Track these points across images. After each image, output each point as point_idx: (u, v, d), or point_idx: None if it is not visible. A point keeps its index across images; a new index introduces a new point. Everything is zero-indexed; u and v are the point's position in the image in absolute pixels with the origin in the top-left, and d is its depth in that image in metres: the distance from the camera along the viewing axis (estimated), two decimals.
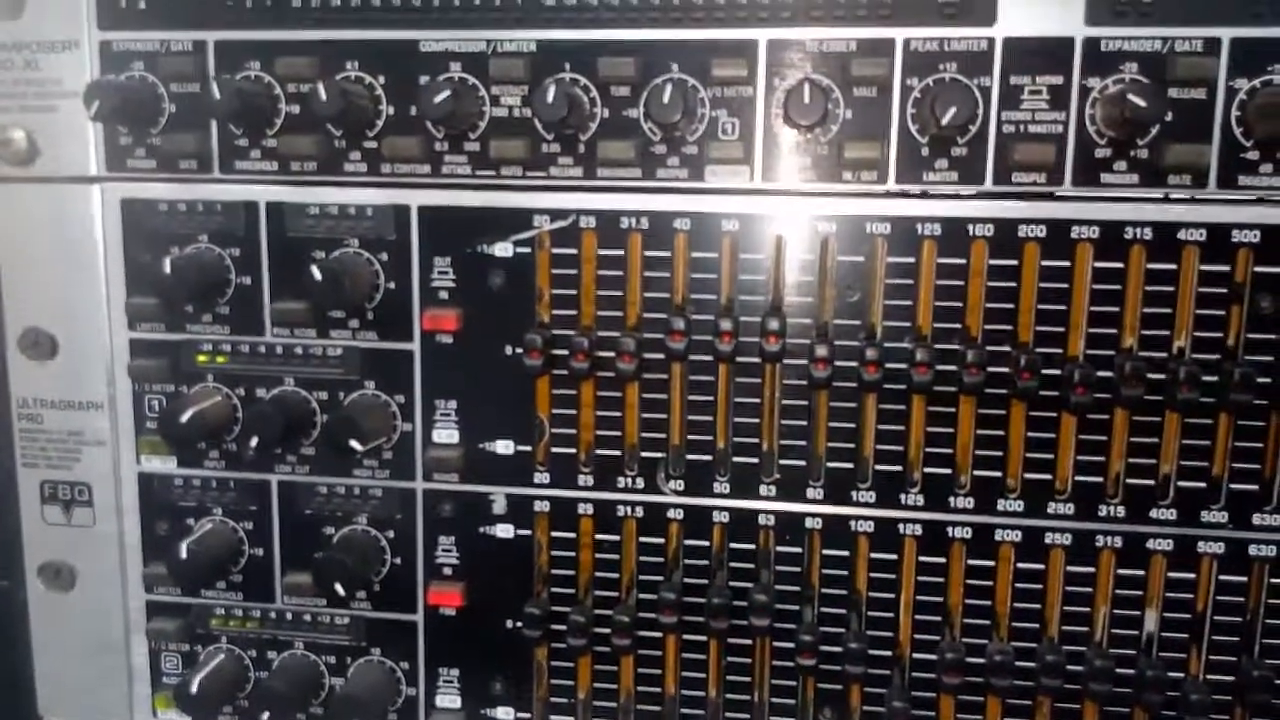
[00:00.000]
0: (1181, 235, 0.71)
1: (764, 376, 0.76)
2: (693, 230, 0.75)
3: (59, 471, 0.84)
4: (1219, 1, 0.68)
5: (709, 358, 0.75)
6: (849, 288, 0.74)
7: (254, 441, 0.77)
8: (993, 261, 0.73)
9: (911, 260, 0.73)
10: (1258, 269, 0.70)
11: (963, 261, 0.73)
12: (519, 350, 0.77)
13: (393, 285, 0.78)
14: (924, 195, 0.73)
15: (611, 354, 0.75)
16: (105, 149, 0.79)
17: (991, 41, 0.70)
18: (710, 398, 0.77)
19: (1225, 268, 0.71)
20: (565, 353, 0.76)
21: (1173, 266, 0.71)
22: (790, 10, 0.71)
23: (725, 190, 0.74)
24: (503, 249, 0.77)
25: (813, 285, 0.75)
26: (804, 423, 0.76)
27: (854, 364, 0.72)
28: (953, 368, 0.72)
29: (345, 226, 0.78)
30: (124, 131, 0.79)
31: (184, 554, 0.78)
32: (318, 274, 0.74)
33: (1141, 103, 0.65)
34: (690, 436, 0.78)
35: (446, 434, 0.80)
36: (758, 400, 0.77)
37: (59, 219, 0.81)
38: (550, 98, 0.70)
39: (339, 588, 0.77)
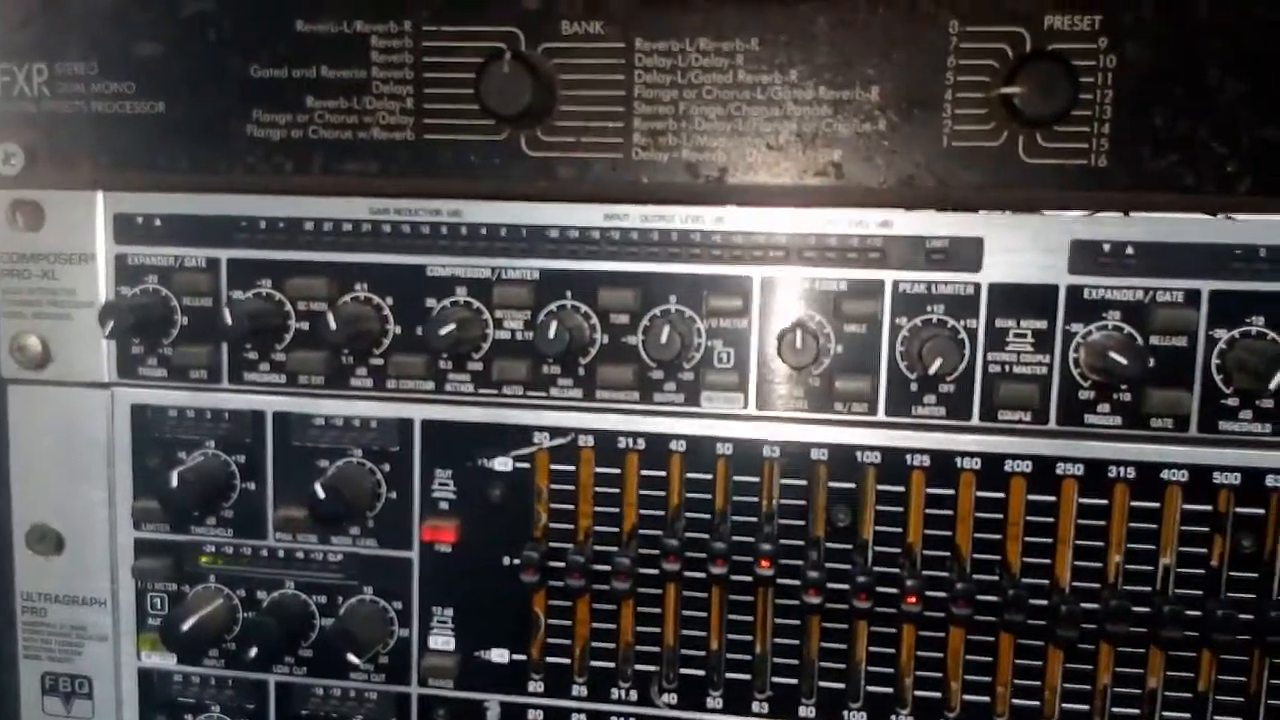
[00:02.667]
0: (1165, 475, 0.73)
1: (757, 595, 0.78)
2: (688, 452, 0.77)
3: (60, 664, 0.86)
4: (1198, 256, 0.71)
5: (702, 576, 0.76)
6: (841, 514, 0.76)
7: (253, 651, 0.78)
8: (980, 493, 0.74)
9: (901, 489, 0.75)
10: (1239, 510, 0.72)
11: (951, 492, 0.75)
12: (516, 563, 0.78)
13: (394, 495, 0.80)
14: (914, 427, 0.75)
15: (608, 569, 0.76)
16: (117, 356, 0.82)
17: (978, 287, 0.73)
18: (704, 614, 0.78)
19: (1207, 507, 0.72)
20: (562, 566, 0.77)
21: (1156, 505, 0.73)
22: (784, 250, 0.74)
23: (720, 415, 0.77)
24: (503, 463, 0.79)
25: (806, 509, 0.76)
26: (796, 641, 0.78)
27: (845, 587, 0.74)
28: (943, 594, 0.73)
29: (350, 438, 0.80)
30: (136, 341, 0.81)
31: None
32: (321, 492, 0.76)
33: (1122, 360, 0.68)
34: (684, 651, 0.79)
35: (443, 641, 0.81)
36: (751, 618, 0.78)
37: (70, 421, 0.83)
38: (551, 333, 0.73)
39: None
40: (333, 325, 0.74)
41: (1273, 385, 0.66)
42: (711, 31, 0.72)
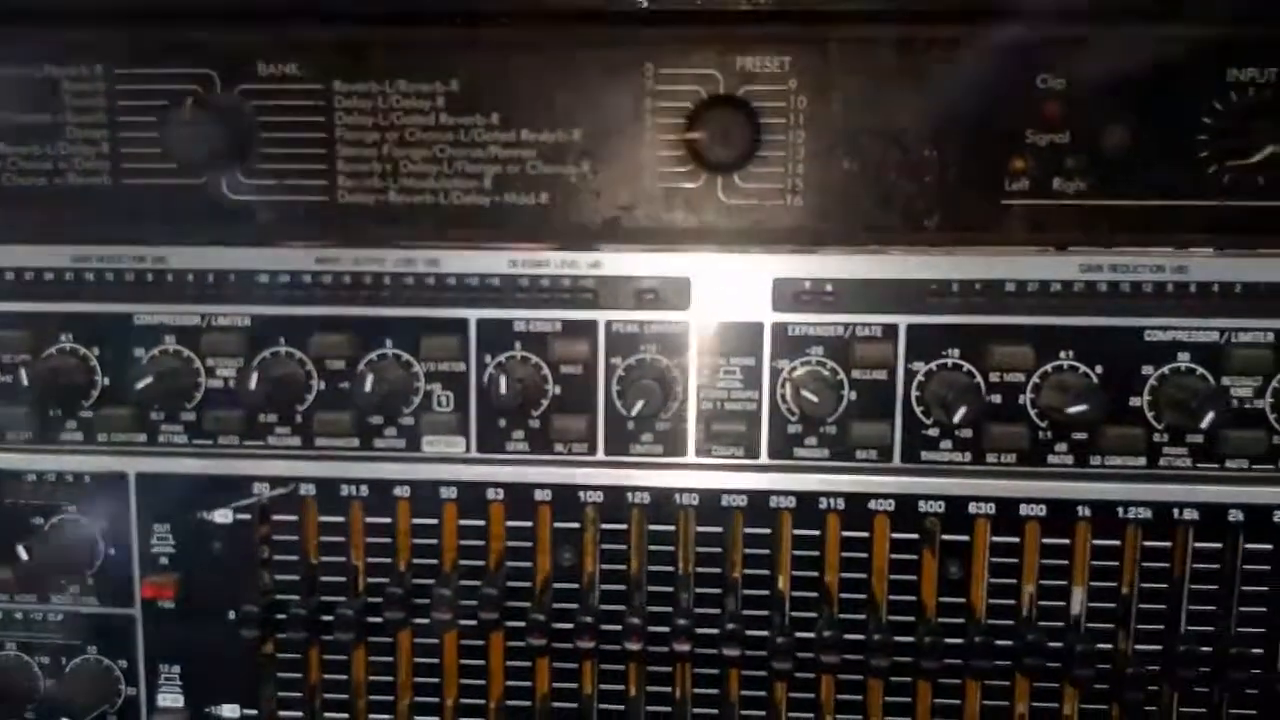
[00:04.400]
0: (873, 505, 0.74)
1: (488, 640, 0.77)
2: (413, 497, 0.76)
3: None
4: (894, 291, 0.72)
5: (427, 622, 0.75)
6: (567, 555, 0.76)
7: None
8: (700, 528, 0.75)
9: (623, 527, 0.75)
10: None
11: (671, 528, 0.75)
12: (239, 616, 0.76)
13: (112, 551, 0.77)
14: (633, 465, 0.75)
15: (332, 619, 0.75)
16: None
17: (687, 325, 0.73)
18: (436, 660, 0.78)
19: (914, 535, 0.74)
20: (285, 618, 0.76)
21: (865, 535, 0.75)
22: (498, 292, 0.74)
23: (442, 458, 0.76)
24: (222, 515, 0.77)
25: (532, 551, 0.76)
26: (529, 683, 0.77)
27: (569, 626, 0.74)
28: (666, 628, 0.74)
29: (63, 493, 0.77)
30: None
31: None
32: (24, 554, 0.73)
33: (814, 399, 0.69)
34: (417, 699, 0.78)
35: (171, 698, 0.79)
36: (483, 662, 0.77)
37: None
38: (252, 384, 0.71)
39: None
40: (25, 381, 0.71)
41: (956, 419, 0.68)
42: (409, 74, 0.71)
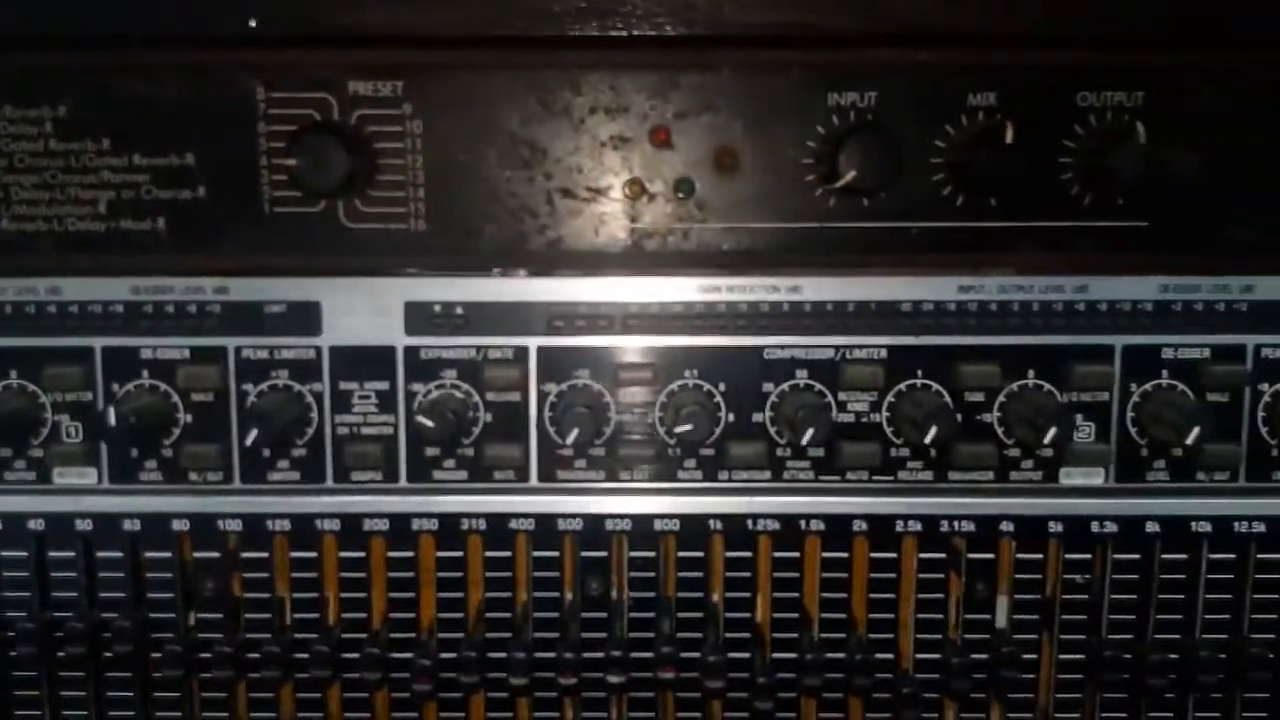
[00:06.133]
0: (512, 525, 0.75)
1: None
2: (45, 532, 0.74)
3: None
4: (522, 315, 0.73)
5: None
6: (210, 586, 0.75)
7: None
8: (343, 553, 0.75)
9: (265, 555, 0.75)
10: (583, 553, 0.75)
11: (313, 555, 0.75)
12: None
13: None
14: (271, 492, 0.74)
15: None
16: None
17: (319, 350, 0.73)
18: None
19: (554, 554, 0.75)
20: None
21: (508, 554, 0.75)
22: (122, 319, 0.72)
23: (75, 490, 0.74)
24: None
25: (170, 583, 0.75)
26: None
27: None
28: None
29: None
30: None
31: None
32: None
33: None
34: None
35: None
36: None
37: None
38: None
39: None
40: None
41: (569, 440, 0.69)
42: (15, 100, 0.69)
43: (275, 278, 0.72)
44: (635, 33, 0.68)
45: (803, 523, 0.74)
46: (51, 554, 0.74)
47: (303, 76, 0.69)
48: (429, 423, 0.69)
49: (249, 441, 0.69)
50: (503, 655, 0.74)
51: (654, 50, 0.69)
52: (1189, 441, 0.69)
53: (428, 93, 0.69)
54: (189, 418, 0.73)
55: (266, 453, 0.74)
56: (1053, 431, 0.68)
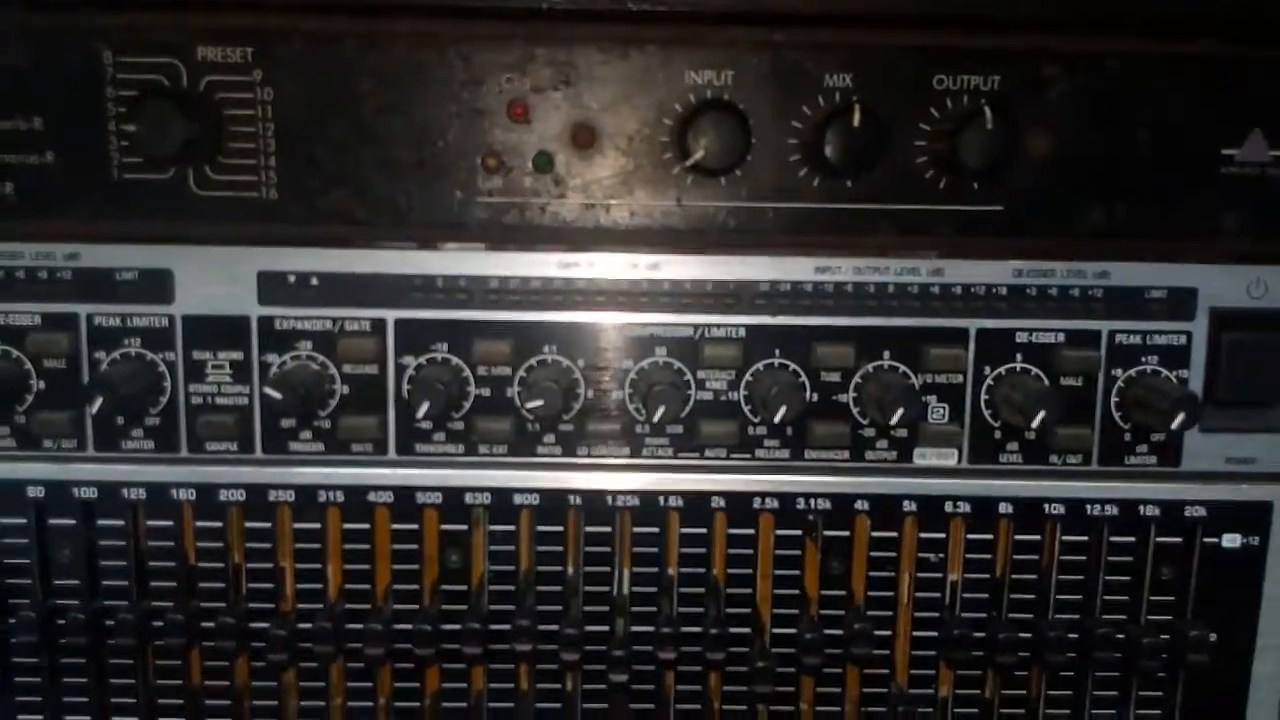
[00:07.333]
0: (371, 497, 0.75)
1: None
2: None
3: None
4: (381, 286, 0.72)
5: None
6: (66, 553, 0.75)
7: None
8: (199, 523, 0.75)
9: (121, 523, 0.75)
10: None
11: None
12: None
13: None
14: (128, 461, 0.74)
15: None
16: None
17: (172, 319, 0.72)
18: None
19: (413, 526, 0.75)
20: None
21: (367, 526, 0.75)
22: None
23: None
24: None
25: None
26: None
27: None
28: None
29: None
30: None
31: None
32: None
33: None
34: None
35: None
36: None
37: None
38: None
39: None
40: None
41: (420, 414, 0.69)
42: None
43: (126, 245, 0.71)
44: (493, 4, 0.68)
45: (661, 499, 0.75)
46: None
47: (150, 41, 0.68)
48: (276, 394, 0.69)
49: (93, 410, 0.68)
50: (360, 627, 0.74)
51: (510, 22, 0.68)
52: (1035, 425, 0.70)
53: (278, 60, 0.68)
54: (41, 384, 0.73)
55: (121, 421, 0.73)
56: (900, 412, 0.69)
